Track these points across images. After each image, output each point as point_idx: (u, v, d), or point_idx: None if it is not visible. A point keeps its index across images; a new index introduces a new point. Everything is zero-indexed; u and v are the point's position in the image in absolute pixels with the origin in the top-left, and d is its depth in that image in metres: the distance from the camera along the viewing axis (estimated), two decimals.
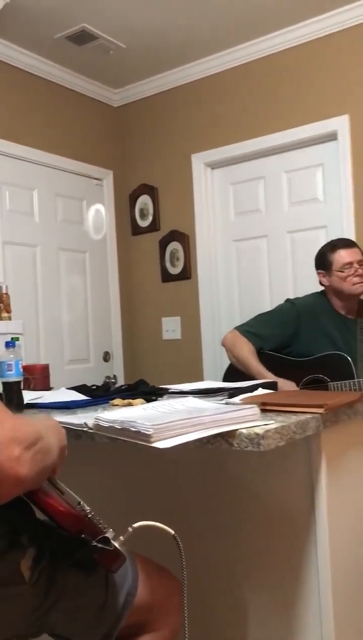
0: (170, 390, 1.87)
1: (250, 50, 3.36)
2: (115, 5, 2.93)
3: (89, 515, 1.01)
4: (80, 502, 1.05)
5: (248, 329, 2.57)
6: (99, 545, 0.98)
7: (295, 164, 3.33)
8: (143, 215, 3.83)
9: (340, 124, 3.09)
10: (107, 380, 3.65)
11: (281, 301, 2.73)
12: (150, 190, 3.78)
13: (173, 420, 1.24)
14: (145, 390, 1.93)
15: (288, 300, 2.65)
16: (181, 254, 3.66)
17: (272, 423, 1.35)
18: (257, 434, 1.27)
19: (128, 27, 3.13)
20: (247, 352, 2.50)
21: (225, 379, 2.63)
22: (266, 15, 3.07)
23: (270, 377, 2.41)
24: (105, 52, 3.37)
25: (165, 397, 1.83)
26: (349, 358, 2.38)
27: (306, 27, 3.15)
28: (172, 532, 1.10)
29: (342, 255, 2.48)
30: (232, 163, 3.54)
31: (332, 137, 3.15)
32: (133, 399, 1.82)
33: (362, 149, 3.02)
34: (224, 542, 1.70)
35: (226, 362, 2.69)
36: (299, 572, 1.56)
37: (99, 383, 2.99)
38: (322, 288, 2.62)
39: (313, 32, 3.14)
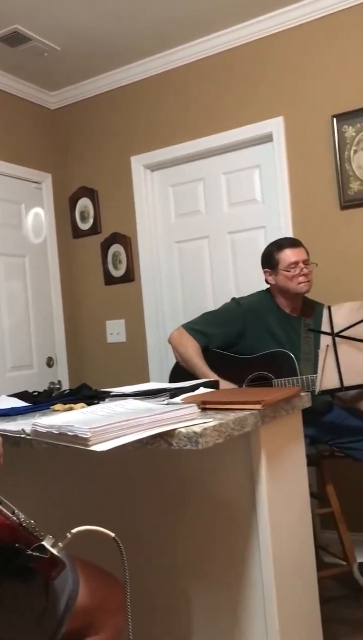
0: (111, 393, 1.86)
1: (187, 53, 3.38)
2: (49, 7, 2.90)
3: (24, 524, 1.00)
4: (14, 511, 1.03)
5: (194, 327, 2.60)
6: (35, 553, 0.97)
7: (233, 165, 3.37)
8: (83, 218, 3.80)
9: (276, 125, 3.15)
10: (51, 386, 3.60)
11: (224, 301, 2.77)
12: (90, 193, 3.76)
13: (111, 422, 1.24)
14: (87, 395, 1.92)
15: (234, 299, 2.69)
16: (123, 257, 3.65)
17: (210, 421, 1.37)
18: (195, 433, 1.29)
19: (62, 29, 3.10)
20: (192, 350, 2.52)
21: (171, 380, 2.65)
22: (202, 19, 3.10)
23: (211, 376, 2.44)
24: (39, 54, 3.33)
25: (107, 400, 1.83)
26: (293, 355, 2.43)
27: (242, 29, 3.19)
28: (112, 534, 1.10)
29: (288, 255, 2.53)
30: (172, 165, 3.55)
31: (267, 138, 3.21)
32: (75, 403, 1.80)
33: (297, 150, 3.10)
34: (168, 541, 1.71)
35: (172, 363, 2.71)
36: (243, 566, 1.58)
37: (44, 389, 2.95)
38: (267, 286, 2.67)
39: (249, 34, 3.19)
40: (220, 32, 3.24)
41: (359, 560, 2.54)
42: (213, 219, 3.46)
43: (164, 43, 3.34)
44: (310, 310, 2.60)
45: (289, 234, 3.07)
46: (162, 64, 3.47)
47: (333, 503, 2.55)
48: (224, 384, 2.38)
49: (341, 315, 1.86)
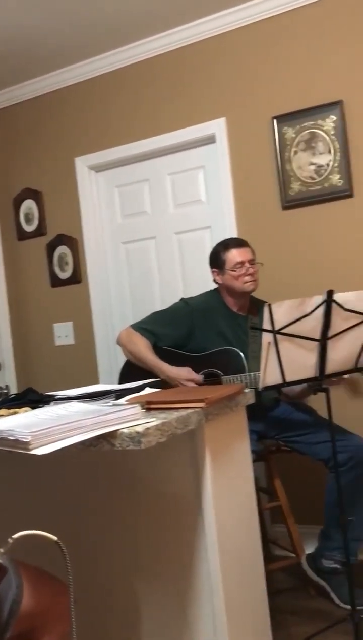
0: (56, 397, 1.85)
1: (131, 54, 3.39)
2: None
3: None
4: None
5: (143, 326, 2.61)
6: None
7: (178, 166, 3.40)
8: (28, 220, 3.75)
9: (218, 126, 3.19)
10: None
11: (172, 301, 2.79)
12: (34, 194, 3.72)
13: (52, 425, 1.24)
14: (32, 399, 1.90)
15: (182, 300, 2.72)
16: (70, 258, 3.63)
17: (153, 421, 1.38)
18: (137, 433, 1.30)
19: (3, 28, 3.05)
20: (142, 346, 2.54)
21: (120, 381, 2.65)
22: (147, 20, 3.11)
23: (166, 368, 2.47)
24: None
25: (52, 403, 1.82)
26: (241, 353, 2.47)
27: (185, 31, 3.22)
28: (54, 538, 1.09)
29: (234, 255, 2.58)
30: (116, 166, 3.55)
31: (211, 139, 3.24)
32: (19, 407, 1.79)
33: (239, 151, 3.14)
34: (116, 541, 1.71)
35: (122, 364, 2.71)
36: (190, 562, 1.60)
37: None
38: (216, 286, 2.70)
39: (192, 36, 3.22)
40: (164, 32, 3.25)
41: (308, 552, 2.60)
42: (159, 219, 3.47)
43: (109, 43, 3.33)
44: (256, 308, 2.65)
45: (234, 234, 3.11)
46: (106, 65, 3.46)
47: (281, 497, 2.61)
48: (181, 371, 2.42)
49: (281, 312, 1.90)
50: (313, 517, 2.70)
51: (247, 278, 2.56)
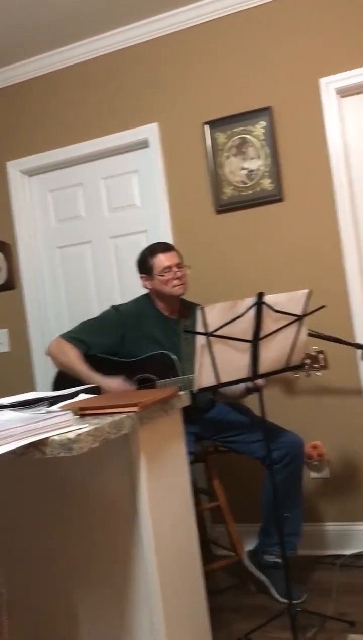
0: None
1: (62, 57, 3.36)
2: None
3: None
4: None
5: (73, 335, 2.58)
6: None
7: (112, 170, 3.39)
8: None
9: (151, 131, 3.21)
10: None
11: (109, 305, 2.78)
12: None
13: None
14: None
15: (112, 307, 2.71)
16: (3, 264, 3.56)
17: (85, 427, 1.38)
18: (68, 439, 1.30)
19: None
20: (72, 356, 2.51)
21: (55, 388, 2.62)
22: (77, 23, 3.09)
23: (98, 379, 2.45)
24: None
25: None
26: (174, 356, 2.49)
27: (117, 35, 3.22)
28: None
29: (161, 259, 2.59)
30: (50, 170, 3.51)
31: (144, 144, 3.26)
32: None
33: (173, 156, 3.17)
34: (52, 549, 1.70)
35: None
36: (127, 566, 1.61)
37: None
38: (146, 291, 2.71)
39: (124, 40, 3.23)
40: (97, 36, 3.25)
41: (247, 549, 2.65)
42: (94, 223, 3.46)
43: (42, 46, 3.29)
44: (187, 311, 2.68)
45: (169, 238, 3.13)
46: (38, 68, 3.42)
47: (220, 497, 2.64)
48: (113, 382, 2.40)
49: (214, 315, 1.93)
50: (253, 514, 2.75)
51: (175, 282, 2.58)
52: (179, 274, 2.59)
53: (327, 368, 2.50)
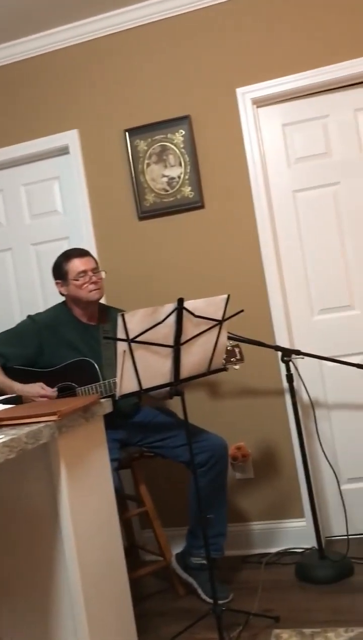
0: None
1: None
2: None
3: None
4: None
5: None
6: None
7: (33, 176, 3.35)
8: None
9: (71, 138, 3.19)
10: None
11: (32, 313, 2.74)
12: None
13: None
14: None
15: (28, 317, 2.67)
16: None
17: (1, 437, 1.36)
18: None
19: None
20: None
21: None
22: None
23: (17, 388, 2.42)
24: None
25: None
26: (94, 362, 2.48)
27: (36, 40, 3.19)
28: None
29: (76, 265, 2.58)
30: None
31: (64, 150, 3.24)
32: None
33: (94, 163, 3.17)
34: None
35: None
36: (50, 577, 1.59)
37: None
38: (64, 298, 2.69)
39: (43, 46, 3.20)
40: (15, 41, 3.20)
41: (176, 552, 2.67)
42: (15, 230, 3.40)
43: None
44: (106, 316, 2.68)
45: (91, 244, 3.13)
46: None
47: (147, 502, 2.65)
48: (33, 388, 2.38)
49: (135, 321, 1.94)
50: (181, 518, 2.77)
51: (91, 287, 2.58)
52: (95, 278, 2.58)
53: (243, 361, 2.56)
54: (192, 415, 2.60)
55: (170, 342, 2.04)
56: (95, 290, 2.57)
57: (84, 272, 2.57)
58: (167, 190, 3.05)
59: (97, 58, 3.15)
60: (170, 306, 2.00)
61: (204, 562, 2.52)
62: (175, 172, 3.03)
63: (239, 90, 2.96)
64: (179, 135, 3.02)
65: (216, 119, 3.00)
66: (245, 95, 2.95)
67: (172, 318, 2.01)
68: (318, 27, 2.87)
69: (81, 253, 2.63)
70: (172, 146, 3.03)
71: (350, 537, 2.80)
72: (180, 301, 2.01)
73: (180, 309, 2.01)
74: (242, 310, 2.27)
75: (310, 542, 2.78)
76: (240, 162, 2.97)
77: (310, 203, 2.99)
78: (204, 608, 2.40)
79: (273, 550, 2.92)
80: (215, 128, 3.00)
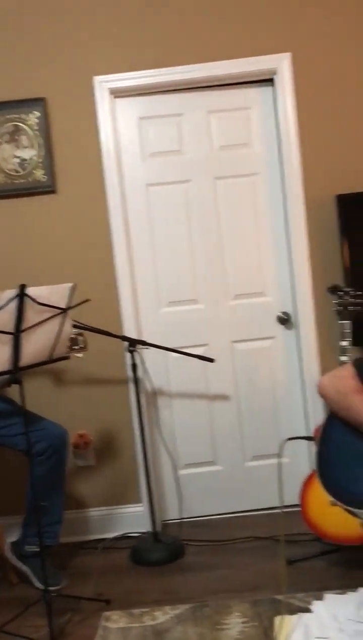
0: None
1: None
2: None
3: None
4: None
5: None
6: None
7: None
8: None
9: None
10: None
11: None
12: None
13: None
14: None
15: None
16: None
17: None
18: None
19: None
20: None
21: None
22: None
23: None
24: None
25: None
26: None
27: None
28: None
29: None
30: None
31: None
32: None
33: None
34: None
35: None
36: None
37: None
38: None
39: None
40: None
41: (10, 540, 2.63)
42: None
43: None
44: None
45: None
46: None
47: None
48: None
49: None
50: (17, 506, 2.73)
51: None
52: None
53: (86, 349, 2.58)
54: (34, 403, 2.57)
55: (11, 329, 2.00)
56: None
57: None
58: (18, 172, 2.96)
59: None
60: (12, 292, 1.96)
61: (38, 549, 2.51)
62: (28, 153, 2.96)
63: (97, 79, 2.94)
64: (34, 117, 2.94)
65: (73, 104, 2.96)
66: (103, 84, 2.94)
67: (14, 304, 1.97)
68: (179, 27, 2.94)
69: None
70: (26, 127, 2.94)
71: (184, 520, 2.94)
72: (22, 287, 1.98)
73: (22, 295, 1.98)
74: (87, 300, 2.28)
75: (147, 527, 2.88)
76: (95, 151, 2.97)
77: (162, 198, 3.07)
78: (36, 595, 2.39)
79: (111, 535, 2.98)
80: (72, 114, 2.96)
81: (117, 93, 2.99)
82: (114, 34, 2.94)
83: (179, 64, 2.94)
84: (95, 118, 2.96)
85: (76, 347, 2.52)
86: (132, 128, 3.05)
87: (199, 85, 3.01)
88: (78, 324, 2.59)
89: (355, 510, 1.77)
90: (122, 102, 3.03)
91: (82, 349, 2.55)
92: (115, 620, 2.22)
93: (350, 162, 2.95)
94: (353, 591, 2.22)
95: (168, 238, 3.08)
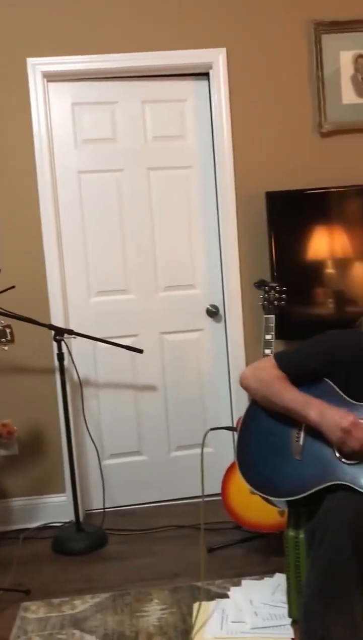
0: None
1: None
2: None
3: None
4: None
5: None
6: None
7: None
8: None
9: None
10: None
11: None
12: None
13: None
14: None
15: None
16: None
17: None
18: None
19: None
20: None
21: None
22: None
23: None
24: None
25: None
26: None
27: None
28: None
29: None
30: None
31: None
32: None
33: None
34: None
35: None
36: None
37: None
38: None
39: None
40: None
41: None
42: None
43: None
44: None
45: None
46: None
47: None
48: None
49: None
50: None
51: None
52: None
53: (13, 342, 2.52)
54: None
55: None
56: None
57: None
58: None
59: None
60: None
61: None
62: None
63: (30, 61, 2.87)
64: None
65: (4, 86, 2.88)
66: (36, 67, 2.87)
67: None
68: (117, 15, 2.90)
69: None
70: None
71: (106, 509, 2.95)
72: None
73: None
74: (13, 287, 2.24)
75: (70, 516, 2.86)
76: (26, 134, 2.90)
77: (94, 186, 3.04)
78: None
79: (33, 525, 2.95)
80: (3, 95, 2.88)
81: (51, 77, 2.93)
82: (51, 17, 2.87)
83: (115, 51, 2.91)
84: (27, 101, 2.89)
85: (3, 340, 2.46)
86: (65, 113, 3.00)
87: (135, 75, 3.00)
88: (3, 311, 2.53)
89: (273, 499, 1.83)
90: (55, 87, 2.97)
91: (8, 342, 2.48)
92: (34, 611, 2.21)
93: (281, 159, 3.02)
94: (270, 577, 2.30)
95: (99, 227, 3.05)
